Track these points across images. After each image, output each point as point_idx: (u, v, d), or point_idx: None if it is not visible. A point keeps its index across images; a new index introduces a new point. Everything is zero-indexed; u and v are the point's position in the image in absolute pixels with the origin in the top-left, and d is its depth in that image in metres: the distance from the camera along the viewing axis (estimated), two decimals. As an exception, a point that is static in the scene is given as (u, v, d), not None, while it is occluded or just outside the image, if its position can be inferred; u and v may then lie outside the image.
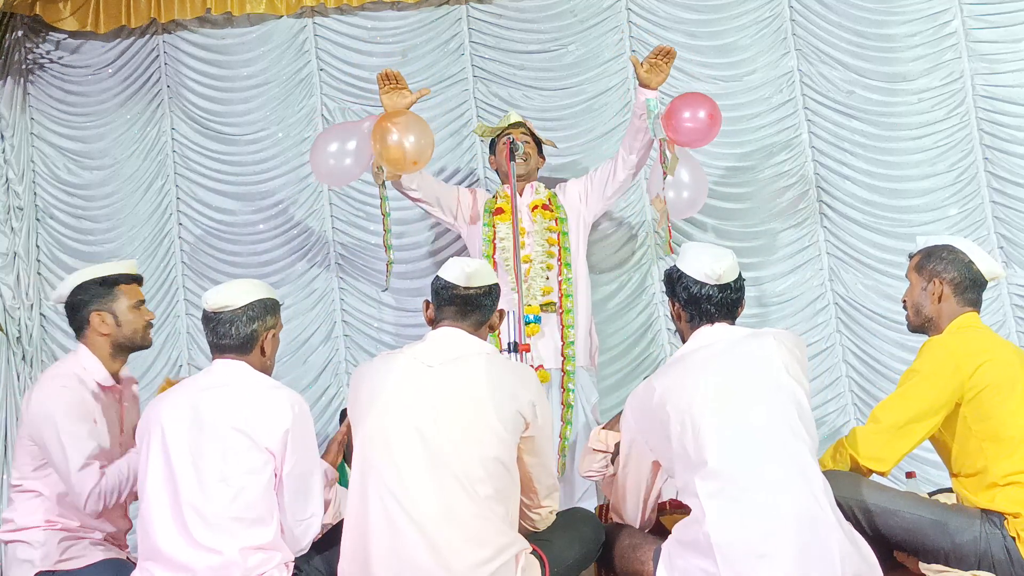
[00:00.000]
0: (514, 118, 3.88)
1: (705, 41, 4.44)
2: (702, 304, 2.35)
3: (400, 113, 3.46)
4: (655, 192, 3.70)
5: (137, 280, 2.80)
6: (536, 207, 3.74)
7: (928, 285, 2.60)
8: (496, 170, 3.93)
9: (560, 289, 3.64)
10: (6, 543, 2.67)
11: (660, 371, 2.34)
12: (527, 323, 3.51)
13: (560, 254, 3.68)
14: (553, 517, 2.50)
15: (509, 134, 3.73)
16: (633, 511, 2.46)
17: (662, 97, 4.32)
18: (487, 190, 4.11)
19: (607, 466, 2.75)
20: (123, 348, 2.75)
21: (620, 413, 2.69)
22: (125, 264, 2.83)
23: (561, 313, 3.61)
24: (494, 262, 3.66)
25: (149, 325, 2.80)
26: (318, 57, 4.57)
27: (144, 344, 2.78)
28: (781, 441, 2.12)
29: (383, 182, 3.59)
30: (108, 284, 2.71)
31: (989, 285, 2.65)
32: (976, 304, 2.59)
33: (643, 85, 3.59)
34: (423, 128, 3.45)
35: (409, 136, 3.37)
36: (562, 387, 3.56)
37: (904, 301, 2.70)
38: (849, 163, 4.31)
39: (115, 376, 2.76)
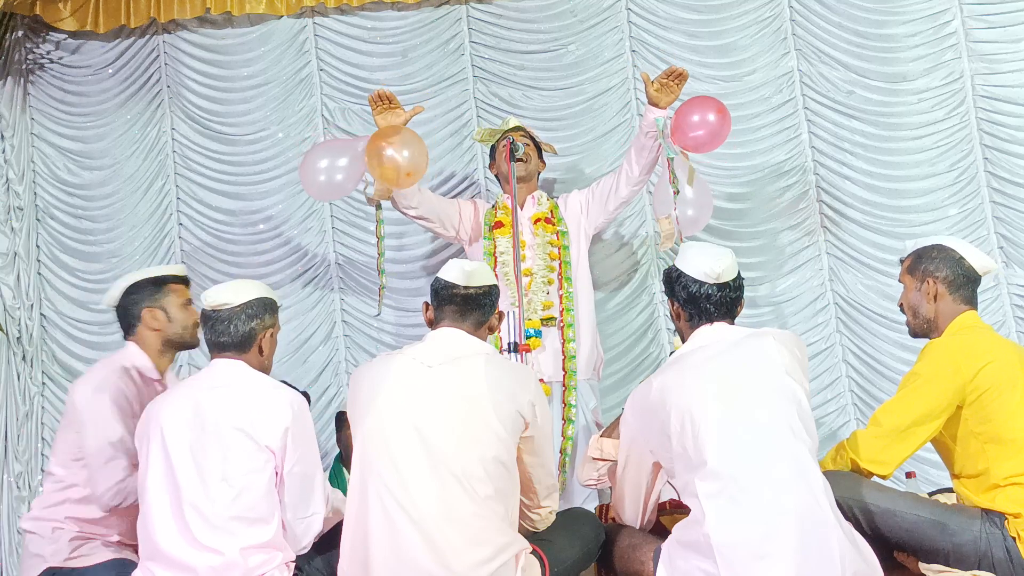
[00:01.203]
0: (513, 123, 3.87)
1: (705, 41, 4.44)
2: (701, 303, 2.35)
3: (394, 130, 3.45)
4: (663, 212, 3.67)
5: (185, 281, 2.91)
6: (538, 220, 3.71)
7: (922, 286, 2.60)
8: (496, 175, 3.91)
9: (561, 303, 3.62)
10: (24, 531, 2.72)
11: (660, 371, 2.34)
12: (528, 337, 3.50)
13: (561, 268, 3.65)
14: (553, 517, 2.50)
15: (509, 136, 3.72)
16: (632, 512, 2.46)
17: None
18: (487, 200, 4.11)
19: (606, 475, 2.75)
20: (172, 344, 2.84)
21: (619, 418, 2.70)
22: (175, 267, 2.96)
23: (562, 327, 3.58)
24: (495, 275, 3.63)
25: (196, 324, 2.87)
26: (318, 57, 4.57)
27: (192, 342, 2.88)
28: (781, 441, 2.12)
29: (378, 204, 3.58)
30: (159, 283, 2.83)
31: (984, 280, 2.65)
32: (972, 301, 2.59)
33: (652, 103, 3.55)
34: (417, 142, 3.44)
35: (403, 150, 3.36)
36: (563, 401, 3.54)
37: (901, 305, 2.69)
38: (849, 163, 4.31)
39: (161, 373, 2.84)
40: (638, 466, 2.38)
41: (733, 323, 2.39)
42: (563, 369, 3.55)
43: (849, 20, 4.34)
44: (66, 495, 2.65)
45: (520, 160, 3.61)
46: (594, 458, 2.71)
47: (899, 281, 2.71)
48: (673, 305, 2.43)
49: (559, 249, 3.68)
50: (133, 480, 2.56)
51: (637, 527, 2.47)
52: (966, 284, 2.58)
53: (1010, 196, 4.20)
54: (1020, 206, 4.19)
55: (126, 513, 2.66)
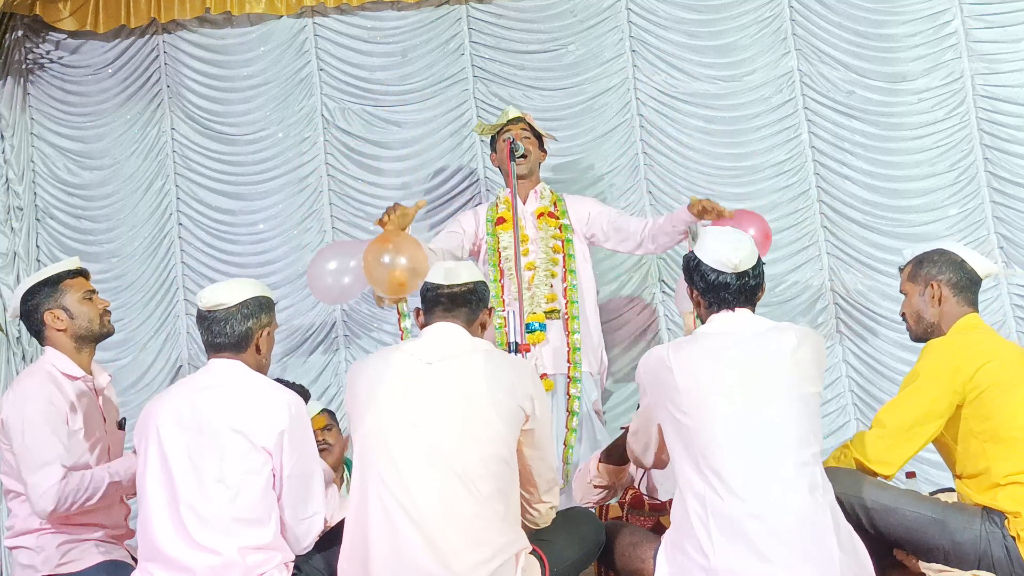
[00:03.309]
0: (513, 113, 3.85)
1: (705, 41, 4.44)
2: (720, 292, 2.34)
3: (392, 236, 3.36)
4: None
5: (81, 274, 2.82)
6: (541, 214, 3.72)
7: (926, 290, 2.58)
8: (498, 167, 3.91)
9: (565, 296, 3.62)
10: (10, 549, 2.69)
11: (678, 346, 2.31)
12: (532, 331, 3.51)
13: (565, 261, 3.66)
14: (554, 513, 2.49)
15: (509, 131, 3.72)
16: (643, 453, 2.46)
17: (658, 95, 4.38)
18: (486, 198, 4.11)
19: (605, 496, 2.76)
20: (84, 339, 2.76)
21: (616, 441, 2.71)
22: (67, 262, 2.85)
23: (567, 319, 3.59)
24: (500, 271, 3.64)
25: (106, 312, 2.81)
26: (318, 57, 4.57)
27: (104, 331, 2.79)
28: (788, 442, 2.12)
29: (397, 304, 3.56)
30: (52, 283, 2.74)
31: (985, 283, 2.64)
32: (975, 304, 2.58)
33: (688, 209, 3.48)
34: (415, 251, 3.32)
35: (400, 258, 3.27)
36: (567, 394, 3.54)
37: (903, 314, 2.67)
38: (849, 163, 4.31)
39: (86, 370, 2.77)
40: (649, 421, 2.37)
41: (754, 310, 2.38)
42: (568, 361, 3.55)
43: (849, 20, 4.34)
44: (30, 507, 2.59)
45: (522, 157, 3.62)
46: (595, 485, 2.72)
47: (900, 292, 2.68)
48: (693, 292, 2.42)
49: (562, 242, 3.68)
50: (74, 480, 2.50)
51: (648, 464, 2.46)
52: (969, 287, 2.57)
53: (1010, 196, 4.20)
54: (1020, 206, 4.19)
55: (102, 507, 2.63)
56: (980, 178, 4.24)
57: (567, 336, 3.57)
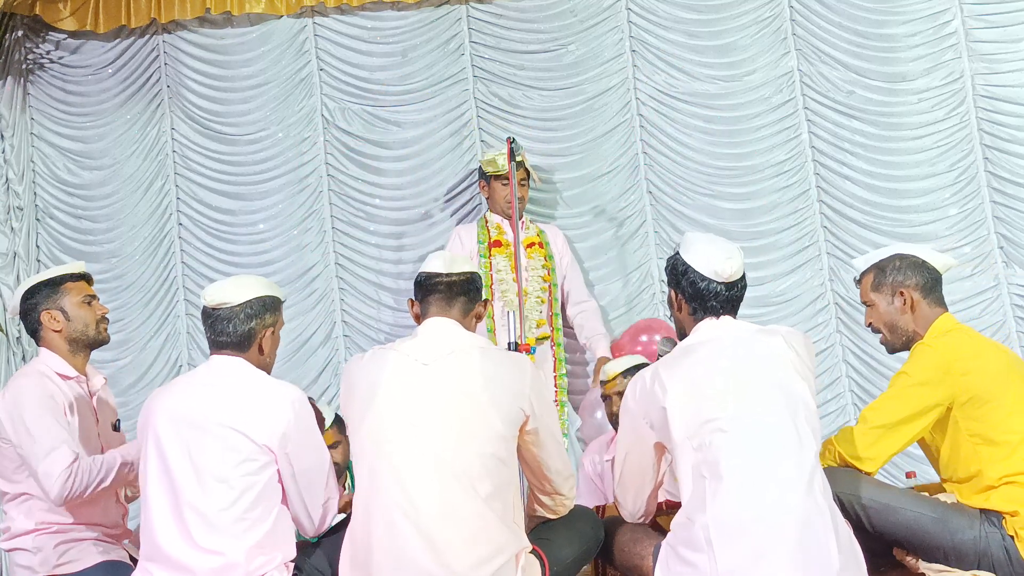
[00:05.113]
0: (501, 163, 3.84)
1: (705, 41, 4.44)
2: (708, 300, 2.31)
3: None
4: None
5: (84, 278, 2.83)
6: (531, 244, 3.89)
7: (895, 299, 2.54)
8: (487, 198, 4.05)
9: (551, 323, 3.79)
10: (7, 551, 2.68)
11: (667, 362, 2.30)
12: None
13: (551, 289, 3.83)
14: (571, 504, 2.48)
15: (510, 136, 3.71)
16: (634, 502, 2.41)
17: (658, 95, 4.41)
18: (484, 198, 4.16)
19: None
20: (79, 343, 2.76)
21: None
22: (72, 265, 2.86)
23: (553, 346, 3.73)
24: (491, 293, 3.75)
25: (103, 319, 2.80)
26: (318, 57, 4.57)
27: (99, 338, 2.79)
28: (786, 443, 2.11)
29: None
30: (54, 284, 2.75)
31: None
32: (943, 303, 2.55)
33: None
34: None
35: None
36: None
37: (870, 325, 2.61)
38: (849, 163, 4.31)
39: (80, 372, 2.76)
40: (640, 452, 2.33)
41: (736, 317, 2.37)
42: (555, 386, 3.64)
43: (849, 20, 4.34)
44: (28, 505, 2.60)
45: (521, 161, 3.67)
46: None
47: (863, 302, 2.62)
48: (676, 296, 2.38)
49: (549, 271, 3.87)
50: (80, 467, 2.49)
51: (637, 519, 2.45)
52: (935, 287, 2.54)
53: (1010, 196, 4.21)
54: (1020, 206, 4.19)
55: (96, 503, 2.63)
56: (980, 178, 4.24)
57: (555, 362, 3.74)
